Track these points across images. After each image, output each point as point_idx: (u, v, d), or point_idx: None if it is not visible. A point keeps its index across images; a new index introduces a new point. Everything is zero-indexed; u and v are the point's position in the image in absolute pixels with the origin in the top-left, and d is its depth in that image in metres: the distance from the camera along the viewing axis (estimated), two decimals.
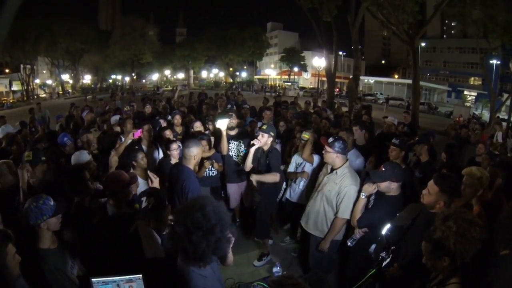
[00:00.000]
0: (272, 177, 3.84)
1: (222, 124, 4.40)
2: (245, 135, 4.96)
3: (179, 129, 5.67)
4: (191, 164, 3.22)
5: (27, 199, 2.18)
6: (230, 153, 4.75)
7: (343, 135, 4.24)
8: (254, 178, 3.73)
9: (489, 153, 4.63)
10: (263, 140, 3.88)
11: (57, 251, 2.18)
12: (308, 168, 4.38)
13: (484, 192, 3.33)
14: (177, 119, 5.83)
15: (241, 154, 4.76)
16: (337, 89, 39.90)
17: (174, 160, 4.09)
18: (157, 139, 4.98)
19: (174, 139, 4.68)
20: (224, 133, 4.45)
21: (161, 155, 4.72)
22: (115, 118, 6.30)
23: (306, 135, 4.34)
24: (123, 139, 4.51)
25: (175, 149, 4.11)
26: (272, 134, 3.96)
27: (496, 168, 3.36)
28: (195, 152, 3.19)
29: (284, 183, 4.65)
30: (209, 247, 1.57)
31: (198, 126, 5.07)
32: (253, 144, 3.90)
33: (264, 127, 4.00)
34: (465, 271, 1.82)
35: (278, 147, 5.19)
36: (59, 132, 7.25)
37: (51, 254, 2.12)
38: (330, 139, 3.28)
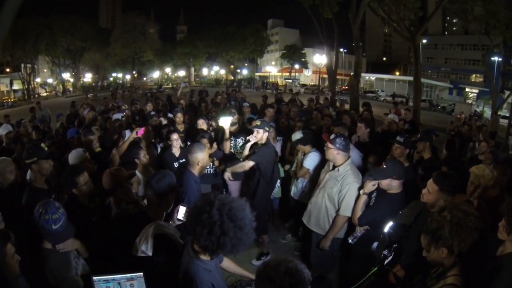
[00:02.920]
0: (242, 165, 3.94)
1: (225, 122, 4.41)
2: (245, 131, 4.96)
3: (181, 127, 5.66)
4: (195, 169, 3.08)
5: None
6: (232, 150, 4.75)
7: (339, 130, 4.27)
8: (228, 172, 3.93)
9: (492, 151, 4.61)
10: (259, 136, 3.94)
11: (61, 252, 2.14)
12: (311, 163, 4.29)
13: (488, 190, 3.32)
14: (179, 117, 5.82)
15: (238, 150, 4.75)
16: (346, 87, 39.12)
17: (175, 150, 4.32)
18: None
19: (172, 129, 4.82)
20: (227, 131, 4.46)
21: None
22: (116, 116, 6.31)
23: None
24: (126, 136, 4.51)
25: (175, 139, 4.32)
26: (267, 129, 4.01)
27: (500, 165, 3.33)
28: (200, 157, 3.05)
29: (278, 180, 4.55)
30: (224, 240, 1.56)
31: (200, 124, 5.06)
32: (249, 140, 3.98)
33: (258, 123, 4.02)
34: (465, 263, 1.85)
35: (279, 144, 5.18)
36: (60, 131, 7.30)
37: (54, 254, 2.10)
38: (332, 136, 3.27)
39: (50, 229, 2.01)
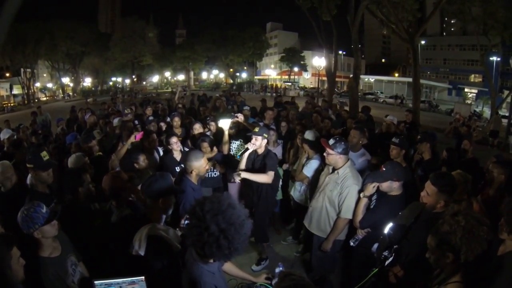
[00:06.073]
0: (264, 178, 3.67)
1: (225, 123, 4.42)
2: (243, 134, 4.96)
3: (178, 131, 5.66)
4: (191, 176, 3.06)
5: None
6: (232, 152, 4.76)
7: (356, 134, 4.28)
8: (243, 175, 3.56)
9: (497, 155, 4.59)
10: (258, 143, 3.80)
11: (58, 259, 2.11)
12: (311, 170, 4.27)
13: (486, 190, 3.33)
14: (176, 121, 5.82)
15: (235, 153, 4.75)
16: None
17: (176, 154, 4.33)
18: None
19: (172, 134, 4.83)
20: (226, 132, 4.48)
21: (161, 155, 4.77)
22: (116, 121, 6.32)
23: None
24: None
25: (174, 142, 4.33)
26: (266, 136, 3.87)
27: (499, 165, 3.34)
28: (194, 165, 3.02)
29: (280, 181, 4.56)
30: (241, 242, 1.57)
31: (197, 128, 5.05)
32: (247, 149, 3.83)
33: (257, 129, 3.88)
34: (468, 271, 1.80)
35: (279, 147, 5.19)
36: (61, 136, 7.32)
37: (51, 262, 2.06)
38: (331, 141, 3.23)
39: (40, 213, 2.00)
